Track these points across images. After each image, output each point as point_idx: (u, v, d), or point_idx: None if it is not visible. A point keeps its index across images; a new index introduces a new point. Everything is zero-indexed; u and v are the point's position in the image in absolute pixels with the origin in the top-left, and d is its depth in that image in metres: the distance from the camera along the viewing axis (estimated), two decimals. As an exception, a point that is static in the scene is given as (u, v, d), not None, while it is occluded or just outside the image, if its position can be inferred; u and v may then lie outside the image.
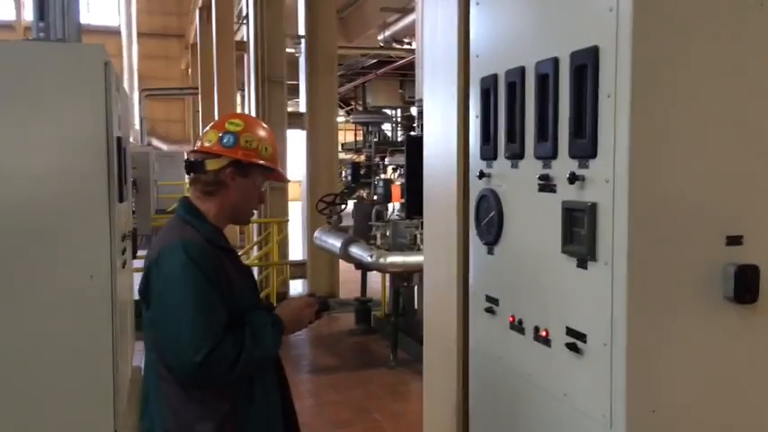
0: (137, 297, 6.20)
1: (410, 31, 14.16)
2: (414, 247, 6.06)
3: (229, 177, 2.04)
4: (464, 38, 2.61)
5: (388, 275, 7.10)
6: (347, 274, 9.38)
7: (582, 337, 1.88)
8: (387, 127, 17.92)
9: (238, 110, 17.59)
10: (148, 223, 5.78)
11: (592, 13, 1.82)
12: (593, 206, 1.81)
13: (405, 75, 17.08)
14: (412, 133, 6.96)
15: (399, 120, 18.15)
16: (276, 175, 2.18)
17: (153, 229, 6.40)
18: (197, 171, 2.06)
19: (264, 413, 2.04)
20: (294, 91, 12.27)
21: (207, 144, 2.06)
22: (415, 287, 6.79)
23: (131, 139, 6.55)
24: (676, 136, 1.73)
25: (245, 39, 13.45)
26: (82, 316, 3.23)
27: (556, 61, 1.97)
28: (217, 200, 2.06)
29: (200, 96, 19.55)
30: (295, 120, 10.64)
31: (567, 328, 1.94)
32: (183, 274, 1.89)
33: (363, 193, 9.12)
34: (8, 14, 22.27)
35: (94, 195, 3.24)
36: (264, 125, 2.17)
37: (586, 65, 1.83)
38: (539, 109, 2.07)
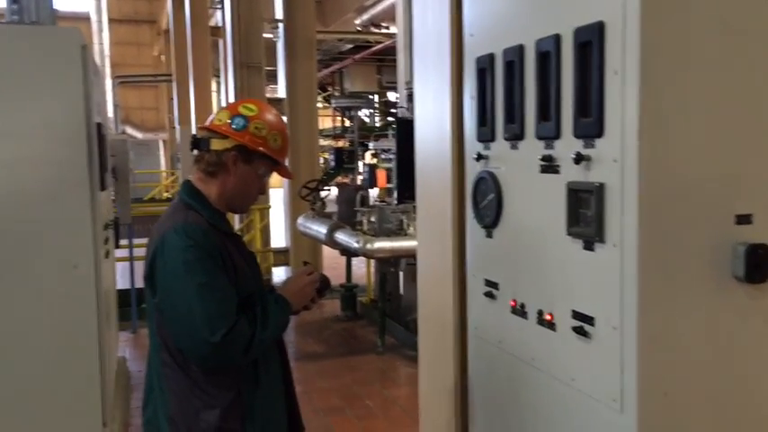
0: (119, 287, 6.10)
1: (388, 15, 14.06)
2: (401, 232, 6.01)
3: (231, 161, 1.98)
4: (456, 17, 2.55)
5: (372, 261, 7.05)
6: (330, 260, 9.33)
7: (590, 320, 1.85)
8: (364, 113, 17.79)
9: (214, 96, 17.38)
10: (128, 212, 5.67)
11: (596, -14, 1.76)
12: (601, 187, 1.77)
13: (382, 60, 16.97)
14: (401, 116, 6.87)
15: (377, 105, 18.06)
16: (281, 170, 2.11)
17: (133, 219, 6.28)
18: (201, 148, 2.00)
19: (268, 398, 2.00)
20: (272, 76, 12.13)
21: (216, 123, 2.00)
22: (401, 272, 6.75)
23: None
24: (686, 113, 1.69)
25: (219, 24, 13.23)
26: (66, 306, 3.16)
27: (558, 38, 1.92)
28: (218, 182, 2.00)
29: (174, 83, 19.24)
30: (274, 105, 10.48)
31: (574, 311, 1.90)
32: (189, 257, 1.83)
33: (347, 178, 9.06)
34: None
35: (76, 183, 3.15)
36: (280, 117, 2.10)
37: (591, 41, 1.78)
38: (540, 88, 2.02)
